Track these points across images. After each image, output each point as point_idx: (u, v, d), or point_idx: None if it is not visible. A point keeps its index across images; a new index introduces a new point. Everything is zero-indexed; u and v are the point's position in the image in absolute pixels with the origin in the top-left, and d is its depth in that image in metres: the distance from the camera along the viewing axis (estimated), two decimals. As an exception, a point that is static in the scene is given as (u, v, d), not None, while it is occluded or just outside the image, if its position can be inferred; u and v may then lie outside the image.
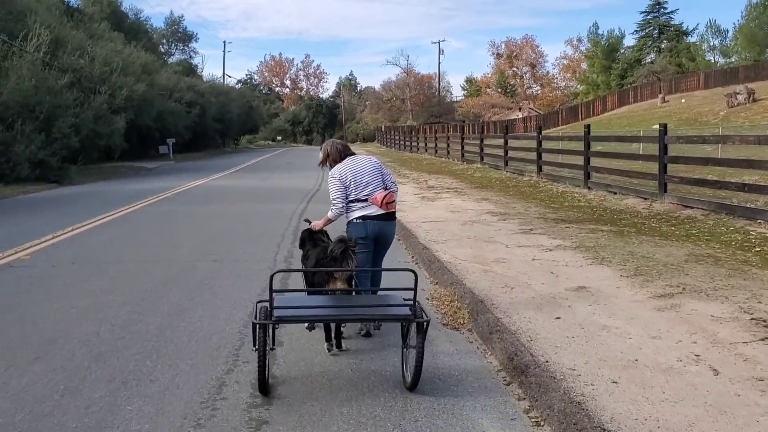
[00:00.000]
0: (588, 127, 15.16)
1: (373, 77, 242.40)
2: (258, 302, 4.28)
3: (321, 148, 5.61)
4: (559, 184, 16.13)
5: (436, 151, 33.81)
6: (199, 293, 6.66)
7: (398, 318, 4.24)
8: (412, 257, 8.60)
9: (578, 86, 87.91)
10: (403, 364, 4.33)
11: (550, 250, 8.04)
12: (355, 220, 5.29)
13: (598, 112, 60.62)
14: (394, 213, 5.41)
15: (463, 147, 27.46)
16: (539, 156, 18.05)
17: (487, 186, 17.41)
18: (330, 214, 5.32)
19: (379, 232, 5.31)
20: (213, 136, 60.71)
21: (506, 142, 21.27)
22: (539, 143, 18.06)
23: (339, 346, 4.90)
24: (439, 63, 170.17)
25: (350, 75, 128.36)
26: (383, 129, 71.42)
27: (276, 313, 4.02)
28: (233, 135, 73.07)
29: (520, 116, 69.59)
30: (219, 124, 58.31)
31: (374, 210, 5.25)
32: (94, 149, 27.52)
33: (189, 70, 64.40)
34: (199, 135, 53.19)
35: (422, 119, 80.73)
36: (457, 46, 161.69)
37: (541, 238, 8.96)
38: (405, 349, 4.32)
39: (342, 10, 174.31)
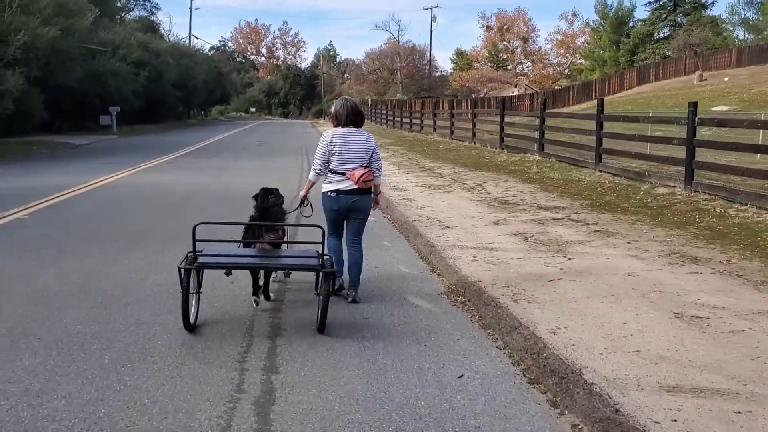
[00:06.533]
0: None
1: (352, 50, 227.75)
2: (189, 252, 4.44)
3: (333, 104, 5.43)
4: (753, 208, 8.53)
5: (451, 132, 25.82)
6: None
7: (307, 268, 4.62)
8: None
9: (581, 60, 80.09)
10: (318, 310, 4.59)
11: None
12: (328, 194, 5.23)
13: (615, 90, 53.09)
14: (370, 189, 5.30)
15: (502, 129, 19.62)
16: (691, 154, 10.28)
17: (608, 206, 9.65)
18: (310, 176, 5.31)
19: (351, 206, 5.23)
20: (173, 106, 51.69)
21: (601, 125, 13.35)
22: (693, 132, 10.27)
23: (267, 297, 5.18)
24: (432, 30, 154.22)
25: (329, 45, 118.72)
26: (370, 103, 62.85)
27: (200, 259, 4.43)
28: (199, 105, 63.96)
29: (516, 93, 61.67)
30: (180, 92, 49.03)
31: (349, 184, 5.17)
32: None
33: (148, 27, 54.80)
34: (154, 103, 44.30)
35: (412, 93, 72.32)
36: (442, 22, 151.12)
37: None
38: (319, 297, 4.63)
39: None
